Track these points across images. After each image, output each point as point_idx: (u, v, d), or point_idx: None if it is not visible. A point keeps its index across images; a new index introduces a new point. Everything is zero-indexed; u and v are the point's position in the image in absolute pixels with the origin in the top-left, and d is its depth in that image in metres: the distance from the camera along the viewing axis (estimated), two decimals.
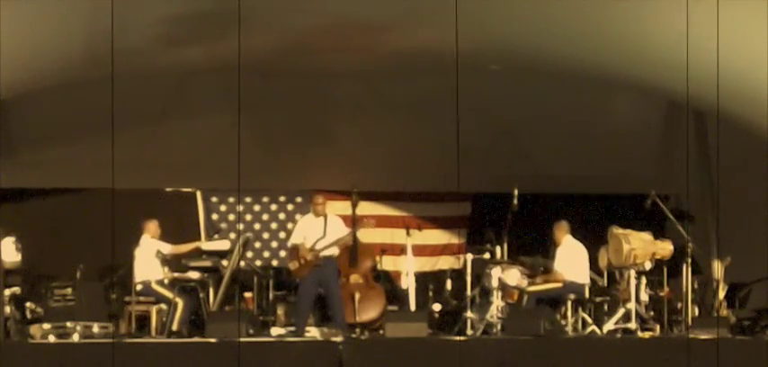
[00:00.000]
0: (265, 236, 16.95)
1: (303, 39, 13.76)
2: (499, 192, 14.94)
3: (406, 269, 15.92)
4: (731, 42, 11.98)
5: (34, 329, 13.02)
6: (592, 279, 14.37)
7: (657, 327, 14.06)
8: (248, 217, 16.93)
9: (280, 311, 15.15)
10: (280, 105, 15.96)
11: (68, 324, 12.82)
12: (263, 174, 15.87)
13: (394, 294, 15.94)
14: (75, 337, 12.64)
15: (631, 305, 13.68)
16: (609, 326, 13.75)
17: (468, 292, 14.33)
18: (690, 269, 14.14)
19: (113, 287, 14.57)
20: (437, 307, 15.70)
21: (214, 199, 16.86)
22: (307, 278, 13.93)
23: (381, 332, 13.77)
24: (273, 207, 17.06)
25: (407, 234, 16.08)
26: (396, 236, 16.78)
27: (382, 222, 16.57)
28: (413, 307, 15.40)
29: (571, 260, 14.11)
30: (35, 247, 14.39)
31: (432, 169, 16.62)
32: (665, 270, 14.53)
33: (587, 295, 14.10)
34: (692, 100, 12.85)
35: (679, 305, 14.59)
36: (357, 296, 14.60)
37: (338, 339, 12.55)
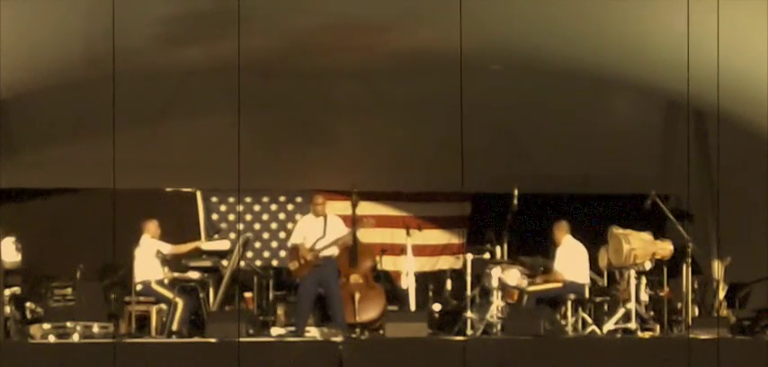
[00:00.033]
0: (265, 236, 16.95)
1: (303, 39, 13.76)
2: (499, 192, 14.93)
3: (406, 269, 15.92)
4: (731, 42, 11.98)
5: (34, 329, 13.02)
6: (592, 279, 14.36)
7: (657, 327, 14.06)
8: (248, 217, 16.93)
9: (280, 311, 15.15)
10: (280, 105, 15.96)
11: (68, 324, 12.82)
12: (263, 174, 15.86)
13: (394, 294, 15.94)
14: (75, 337, 12.63)
15: (631, 305, 13.68)
16: (609, 326, 13.75)
17: (468, 292, 14.32)
18: (690, 269, 14.14)
19: (113, 287, 14.57)
20: (437, 307, 15.70)
21: (214, 199, 16.86)
22: (307, 278, 13.93)
23: (381, 332, 13.77)
24: (273, 207, 17.06)
25: (407, 234, 16.08)
26: (396, 236, 16.78)
27: (382, 222, 16.57)
28: (413, 307, 15.40)
29: (571, 260, 14.11)
30: (35, 247, 14.38)
31: (432, 169, 16.63)
32: (665, 270, 14.52)
33: (587, 295, 14.10)
34: (691, 100, 12.85)
35: (679, 305, 14.59)
36: (357, 296, 14.60)
37: (338, 339, 12.55)
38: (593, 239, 14.37)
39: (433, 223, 17.24)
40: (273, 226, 16.99)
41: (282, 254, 16.55)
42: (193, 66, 14.58)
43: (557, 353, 12.47)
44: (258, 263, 16.36)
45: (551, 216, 14.71)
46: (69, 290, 13.30)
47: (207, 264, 14.56)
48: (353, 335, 13.64)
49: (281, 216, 17.02)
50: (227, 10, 11.25)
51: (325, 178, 16.23)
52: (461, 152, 11.60)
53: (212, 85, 14.73)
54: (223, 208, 16.85)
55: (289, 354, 12.29)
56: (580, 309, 13.98)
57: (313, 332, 13.99)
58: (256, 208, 17.01)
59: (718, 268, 15.11)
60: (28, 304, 13.84)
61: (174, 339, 13.15)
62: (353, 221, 14.64)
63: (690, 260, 14.10)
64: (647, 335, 13.62)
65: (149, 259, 13.78)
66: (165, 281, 13.84)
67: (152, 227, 13.99)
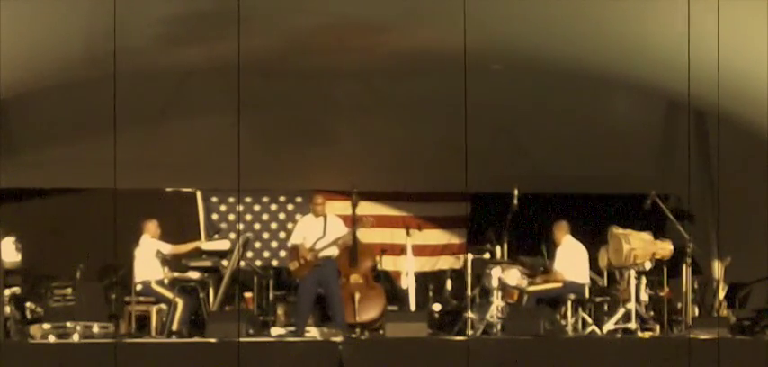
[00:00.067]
0: (265, 236, 16.95)
1: (303, 39, 13.76)
2: (499, 192, 14.93)
3: (406, 269, 15.93)
4: (731, 42, 11.98)
5: (34, 329, 13.03)
6: (592, 279, 14.37)
7: (657, 327, 14.06)
8: (248, 217, 16.94)
9: (280, 311, 15.16)
10: (280, 105, 15.95)
11: (68, 324, 12.83)
12: (263, 174, 15.86)
13: (394, 294, 15.94)
14: (75, 337, 12.64)
15: (631, 305, 13.68)
16: (609, 326, 13.75)
17: (469, 292, 14.32)
18: (690, 269, 14.14)
19: (113, 287, 14.57)
20: (437, 307, 15.70)
21: (214, 199, 16.86)
22: (307, 278, 13.93)
23: (381, 332, 13.77)
24: (273, 207, 17.06)
25: (407, 234, 16.09)
26: (396, 236, 16.78)
27: (382, 222, 16.57)
28: (413, 307, 15.41)
29: (571, 260, 14.11)
30: (35, 247, 14.39)
31: (432, 169, 16.63)
32: (665, 270, 14.53)
33: (587, 295, 14.10)
34: (692, 100, 12.85)
35: (679, 305, 14.59)
36: (357, 296, 14.61)
37: (338, 339, 12.55)
38: (593, 239, 14.37)
39: (433, 223, 17.25)
40: (273, 226, 16.99)
41: (282, 254, 16.55)
42: (193, 66, 14.57)
43: (557, 353, 12.47)
44: (258, 263, 16.36)
45: (551, 216, 14.71)
46: (69, 290, 13.31)
47: (207, 264, 14.57)
48: (353, 335, 13.64)
49: (281, 216, 17.03)
50: (227, 10, 11.24)
51: (325, 178, 16.23)
52: (465, 152, 11.58)
53: (212, 85, 14.73)
54: (223, 208, 16.85)
55: (289, 354, 12.29)
56: (580, 309, 13.98)
57: (313, 332, 13.99)
58: (256, 208, 17.01)
59: (718, 268, 15.12)
60: (28, 304, 13.85)
61: (174, 339, 13.15)
62: (353, 221, 14.64)
63: (690, 260, 14.10)
64: (647, 335, 13.62)
65: (149, 259, 13.78)
66: (165, 281, 13.84)
67: (152, 227, 13.99)
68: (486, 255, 14.66)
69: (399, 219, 17.00)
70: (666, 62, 13.22)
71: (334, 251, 14.05)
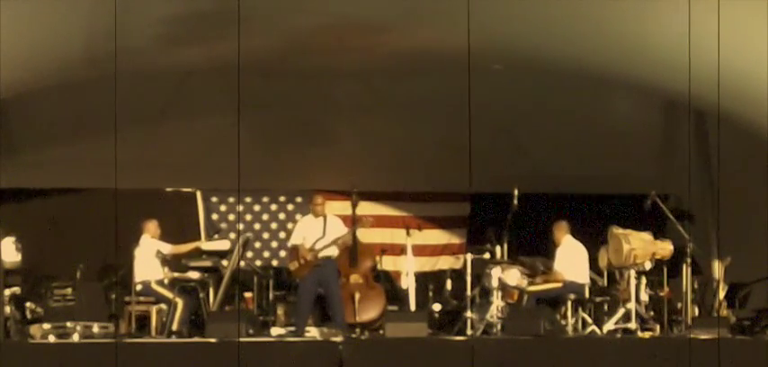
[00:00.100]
0: (265, 236, 16.96)
1: (303, 39, 13.76)
2: (499, 192, 14.93)
3: (406, 269, 15.93)
4: (731, 42, 11.98)
5: (34, 329, 13.03)
6: (592, 279, 14.37)
7: (657, 327, 14.06)
8: (248, 217, 16.94)
9: (280, 311, 15.16)
10: (280, 105, 15.96)
11: (68, 324, 12.83)
12: (263, 174, 15.87)
13: (394, 294, 15.94)
14: (75, 337, 12.64)
15: (631, 305, 13.68)
16: (609, 326, 13.75)
17: (468, 292, 14.32)
18: (690, 269, 14.13)
19: (113, 287, 14.57)
20: (437, 307, 15.70)
21: (214, 199, 16.87)
22: (306, 278, 13.93)
23: (381, 332, 13.77)
24: (273, 207, 17.06)
25: (407, 234, 16.09)
26: (396, 236, 16.78)
27: (382, 222, 16.59)
28: (413, 307, 15.41)
29: (571, 260, 14.11)
30: (35, 247, 14.39)
31: (432, 169, 16.64)
32: (665, 270, 14.53)
33: (587, 295, 14.10)
34: (692, 99, 12.85)
35: (679, 305, 14.58)
36: (357, 296, 14.61)
37: (338, 339, 12.55)
38: (593, 239, 14.37)
39: (433, 223, 17.25)
40: (273, 226, 16.99)
41: (282, 254, 16.55)
42: (193, 66, 14.57)
43: (557, 353, 12.47)
44: (258, 263, 16.36)
45: (551, 216, 14.71)
46: (69, 290, 13.31)
47: (207, 264, 14.57)
48: (353, 335, 13.64)
49: (281, 216, 17.03)
50: (227, 10, 11.25)
51: (325, 178, 16.24)
52: (469, 152, 11.59)
53: (212, 85, 14.73)
54: (223, 208, 16.86)
55: (289, 354, 12.29)
56: (580, 309, 13.98)
57: (313, 332, 13.99)
58: (256, 208, 17.01)
59: (718, 268, 15.11)
60: (28, 304, 13.85)
61: (174, 339, 13.15)
62: (353, 221, 14.64)
63: (690, 260, 14.10)
64: (647, 335, 13.62)
65: (149, 259, 13.78)
66: (165, 281, 13.84)
67: (152, 227, 13.99)
68: (486, 255, 14.66)
69: (399, 219, 17.00)
70: (666, 62, 13.22)
71: (333, 251, 14.05)
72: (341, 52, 14.17)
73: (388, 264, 16.55)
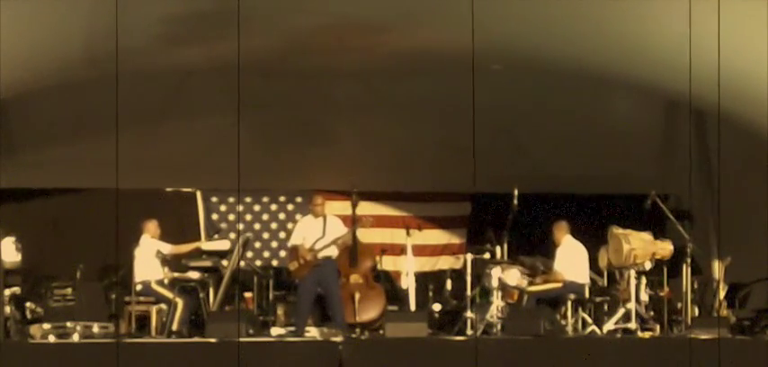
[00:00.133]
0: (265, 236, 16.96)
1: (303, 39, 13.76)
2: (499, 192, 14.93)
3: (406, 269, 15.93)
4: (731, 42, 11.98)
5: (34, 329, 13.03)
6: (592, 279, 14.36)
7: (657, 327, 14.06)
8: (248, 217, 16.95)
9: (280, 311, 15.16)
10: (280, 105, 15.96)
11: (68, 324, 12.83)
12: (263, 174, 15.87)
13: (394, 294, 15.94)
14: (75, 337, 12.64)
15: (631, 305, 13.68)
16: (609, 326, 13.75)
17: (468, 292, 14.32)
18: (690, 269, 14.13)
19: (113, 287, 14.57)
20: (437, 307, 15.70)
21: (214, 199, 16.87)
22: (306, 278, 13.93)
23: (381, 332, 13.77)
24: (273, 207, 17.06)
25: (407, 234, 16.09)
26: (396, 236, 16.78)
27: (382, 222, 16.59)
28: (413, 307, 15.41)
29: (571, 260, 14.11)
30: (35, 247, 14.39)
31: (432, 169, 16.64)
32: (665, 270, 14.53)
33: (587, 295, 14.10)
34: (692, 99, 12.85)
35: (679, 305, 14.58)
36: (357, 296, 14.61)
37: (338, 339, 12.55)
38: (593, 239, 14.37)
39: (433, 223, 17.25)
40: (273, 226, 16.99)
41: (282, 254, 16.55)
42: (193, 66, 14.58)
43: (557, 353, 12.47)
44: (258, 263, 16.36)
45: (551, 216, 14.71)
46: (69, 290, 13.31)
47: (207, 264, 14.57)
48: (353, 335, 13.64)
49: (281, 216, 17.03)
50: (227, 10, 11.24)
51: (325, 178, 16.24)
52: (473, 151, 11.59)
53: (212, 85, 14.73)
54: (223, 208, 16.86)
55: (289, 354, 12.29)
56: (580, 309, 13.98)
57: (313, 332, 13.99)
58: (256, 208, 17.01)
59: (718, 268, 15.11)
60: (28, 304, 13.85)
61: (174, 339, 13.14)
62: (353, 221, 14.64)
63: (690, 260, 14.10)
64: (647, 335, 13.62)
65: (149, 259, 13.78)
66: (165, 281, 13.84)
67: (152, 227, 13.99)
68: (486, 255, 14.66)
69: (399, 219, 17.00)
70: (666, 62, 13.22)
71: (333, 251, 14.05)
72: (341, 52, 14.17)
73: (388, 264, 16.55)
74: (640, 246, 13.81)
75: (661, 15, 12.60)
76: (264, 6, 12.58)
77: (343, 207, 15.36)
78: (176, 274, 14.15)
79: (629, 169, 16.63)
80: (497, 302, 13.71)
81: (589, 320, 13.88)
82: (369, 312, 14.69)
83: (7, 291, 13.02)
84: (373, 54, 14.31)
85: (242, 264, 14.98)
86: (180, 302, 13.55)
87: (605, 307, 14.23)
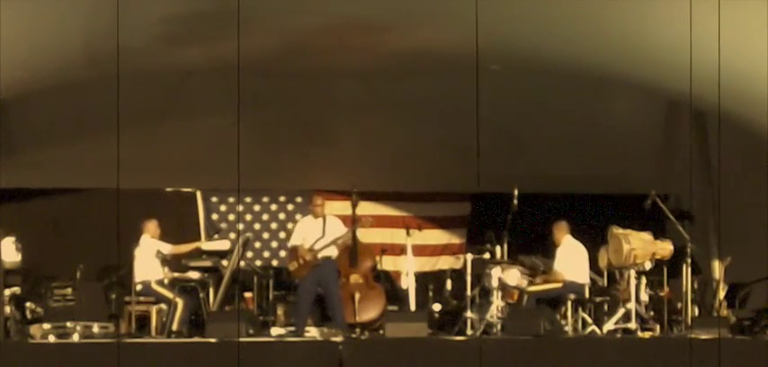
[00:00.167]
0: (265, 236, 16.96)
1: (303, 39, 13.76)
2: (499, 192, 14.93)
3: (406, 269, 15.92)
4: (731, 42, 11.98)
5: (34, 329, 13.02)
6: (592, 279, 14.36)
7: (657, 327, 14.06)
8: (248, 217, 16.95)
9: (280, 311, 15.16)
10: (280, 105, 15.96)
11: (68, 324, 12.82)
12: (263, 174, 15.87)
13: (394, 294, 15.94)
14: (75, 337, 12.64)
15: (631, 305, 13.67)
16: (609, 326, 13.75)
17: (468, 292, 14.31)
18: (690, 269, 14.13)
19: (113, 287, 14.57)
20: (437, 307, 15.70)
21: (214, 199, 16.87)
22: (306, 278, 13.92)
23: (381, 332, 13.76)
24: (273, 207, 17.06)
25: (407, 234, 16.08)
26: (396, 236, 16.78)
27: (382, 222, 16.58)
28: (413, 307, 15.40)
29: (571, 260, 14.10)
30: (35, 247, 14.39)
31: (432, 169, 16.64)
32: (665, 270, 14.52)
33: (587, 295, 14.10)
34: (692, 99, 12.85)
35: (679, 305, 14.58)
36: (357, 296, 14.61)
37: (338, 339, 12.55)
38: (593, 239, 14.36)
39: (433, 223, 17.24)
40: (273, 226, 16.99)
41: (282, 254, 16.55)
42: (193, 66, 14.58)
43: (557, 353, 12.47)
44: (258, 263, 16.36)
45: (551, 216, 14.71)
46: (69, 290, 13.31)
47: (207, 264, 14.57)
48: (353, 335, 13.64)
49: (281, 216, 17.03)
50: (227, 10, 11.25)
51: (325, 178, 16.23)
52: (477, 151, 11.59)
53: (212, 85, 14.74)
54: (223, 208, 16.86)
55: (289, 354, 12.29)
56: (580, 309, 13.98)
57: (313, 332, 13.99)
58: (256, 208, 17.01)
59: (718, 268, 15.11)
60: (28, 304, 13.85)
61: (174, 339, 13.14)
62: (353, 221, 14.64)
63: (690, 260, 14.09)
64: (647, 335, 13.61)
65: (149, 259, 13.78)
66: (165, 281, 13.84)
67: (152, 227, 13.98)
68: (486, 255, 14.65)
69: (399, 219, 17.00)
70: (667, 62, 13.22)
71: (333, 251, 14.05)
72: (341, 52, 14.17)
73: (388, 264, 16.55)
74: (640, 246, 13.81)
75: (661, 15, 12.60)
76: (264, 6, 12.58)
77: (343, 207, 15.36)
78: (176, 274, 14.15)
79: (629, 169, 16.63)
80: (497, 302, 13.70)
81: (589, 320, 13.88)
82: (369, 312, 14.68)
83: (7, 291, 13.01)
84: (373, 54, 14.31)
85: (242, 264, 14.98)
86: (180, 302, 13.55)
87: (605, 307, 14.22)
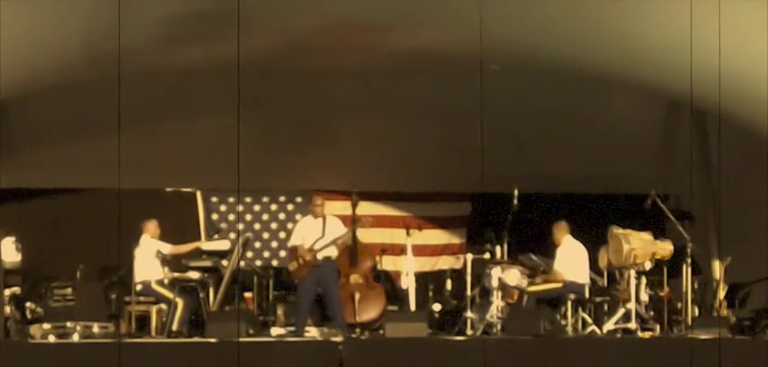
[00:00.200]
0: (265, 236, 16.96)
1: (303, 39, 13.76)
2: (499, 192, 14.93)
3: (406, 269, 15.92)
4: (731, 42, 11.98)
5: (34, 329, 13.02)
6: (592, 279, 14.36)
7: (657, 327, 14.06)
8: (248, 217, 16.94)
9: (280, 311, 15.16)
10: (280, 105, 15.96)
11: (68, 324, 12.82)
12: (263, 174, 15.88)
13: (394, 294, 15.94)
14: (75, 337, 12.63)
15: (631, 305, 13.67)
16: (609, 326, 13.75)
17: (468, 292, 14.31)
18: (690, 269, 14.13)
19: (113, 287, 14.57)
20: (437, 307, 15.70)
21: (214, 199, 16.87)
22: (306, 278, 13.92)
23: (381, 332, 13.76)
24: (273, 207, 17.06)
25: (407, 234, 16.08)
26: (396, 236, 16.78)
27: (382, 222, 16.58)
28: (413, 307, 15.40)
29: (571, 260, 14.10)
30: (35, 247, 14.39)
31: (432, 169, 16.64)
32: (665, 270, 14.52)
33: (587, 295, 14.10)
34: (692, 99, 12.86)
35: (679, 305, 14.58)
36: (357, 296, 14.61)
37: (338, 339, 12.55)
38: (593, 239, 14.36)
39: (433, 223, 17.25)
40: (273, 226, 16.99)
41: (282, 254, 16.55)
42: (193, 66, 14.58)
43: (557, 353, 12.47)
44: (258, 263, 16.36)
45: (551, 216, 14.71)
46: (69, 290, 13.30)
47: (207, 264, 14.57)
48: (353, 335, 13.64)
49: (281, 216, 17.03)
50: (227, 10, 11.25)
51: (325, 178, 16.23)
52: (482, 151, 11.60)
53: (212, 85, 14.74)
54: (223, 208, 16.86)
55: (289, 354, 12.29)
56: (580, 309, 13.98)
57: (313, 332, 13.99)
58: (256, 208, 17.01)
59: (718, 268, 15.11)
60: (28, 304, 13.85)
61: (174, 339, 13.14)
62: (353, 221, 14.64)
63: (690, 260, 14.09)
64: (647, 335, 13.61)
65: (149, 259, 13.77)
66: (165, 281, 13.84)
67: (152, 227, 13.98)
68: (486, 255, 14.65)
69: (399, 219, 17.00)
70: (667, 62, 13.22)
71: (333, 251, 14.05)
72: (341, 52, 14.17)
73: (388, 264, 16.55)
74: (640, 246, 13.81)
75: (661, 15, 12.61)
76: (264, 6, 12.59)
77: (343, 207, 15.35)
78: (176, 274, 14.14)
79: (629, 169, 16.63)
80: (497, 302, 13.70)
81: (589, 320, 13.88)
82: (369, 312, 14.68)
83: (7, 291, 13.01)
84: (373, 54, 14.31)
85: (242, 264, 14.98)
86: (180, 302, 13.55)
87: (605, 307, 14.22)
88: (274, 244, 16.92)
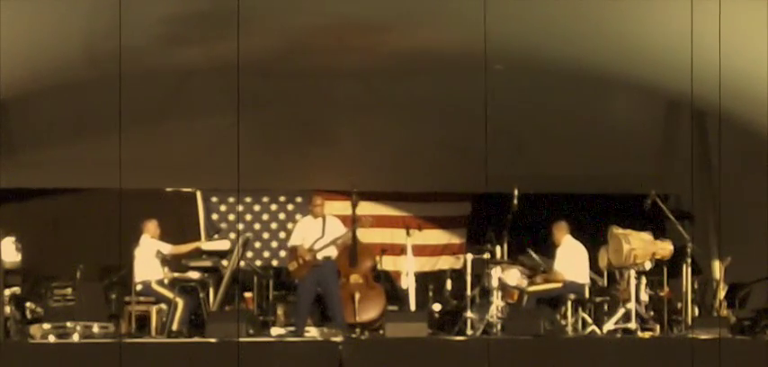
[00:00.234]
0: (265, 236, 16.95)
1: (303, 39, 13.76)
2: (499, 192, 14.93)
3: (406, 269, 15.92)
4: (731, 42, 11.98)
5: (34, 329, 13.02)
6: (592, 279, 14.36)
7: (657, 327, 14.06)
8: (248, 217, 16.94)
9: (280, 311, 15.16)
10: (280, 105, 15.96)
11: (68, 324, 12.82)
12: (263, 174, 15.87)
13: (394, 294, 15.94)
14: (75, 337, 12.63)
15: (631, 305, 13.67)
16: (609, 326, 13.75)
17: (468, 292, 14.31)
18: (690, 269, 14.13)
19: (113, 287, 14.57)
20: (437, 307, 15.70)
21: (214, 199, 16.86)
22: (306, 278, 13.92)
23: (381, 332, 13.76)
24: (273, 207, 17.06)
25: (407, 234, 16.07)
26: (396, 236, 16.78)
27: (382, 222, 16.58)
28: (413, 307, 15.40)
29: (571, 260, 14.10)
30: (35, 247, 14.39)
31: (432, 169, 16.63)
32: (665, 270, 14.52)
33: (587, 295, 14.10)
34: (693, 99, 12.86)
35: (679, 305, 14.58)
36: (357, 296, 14.61)
37: (338, 339, 12.55)
38: (593, 239, 14.36)
39: (433, 223, 17.24)
40: (273, 226, 16.99)
41: (282, 254, 16.55)
42: (193, 66, 14.58)
43: (557, 353, 12.47)
44: (258, 263, 16.36)
45: (551, 216, 14.70)
46: (69, 291, 13.30)
47: (207, 264, 14.56)
48: (353, 335, 13.64)
49: (281, 216, 17.03)
50: (227, 10, 11.26)
51: (325, 178, 16.23)
52: (486, 151, 11.61)
53: (212, 85, 14.74)
54: (223, 208, 16.85)
55: (289, 354, 12.29)
56: (580, 309, 13.97)
57: (313, 332, 13.99)
58: (256, 208, 17.01)
59: (718, 268, 15.11)
60: (28, 304, 13.85)
61: (174, 339, 13.14)
62: (353, 221, 14.64)
63: (690, 260, 14.09)
64: (647, 335, 13.61)
65: (149, 259, 13.77)
66: (165, 281, 13.84)
67: (152, 227, 13.98)
68: (486, 255, 14.65)
69: (399, 219, 17.00)
70: (667, 62, 13.22)
71: (332, 251, 14.05)
72: (341, 52, 14.17)
73: (388, 264, 16.55)
74: (640, 246, 13.81)
75: (661, 15, 12.61)
76: (264, 6, 12.59)
77: (343, 207, 15.35)
78: (176, 274, 14.14)
79: (629, 169, 16.63)
80: (497, 302, 13.70)
81: (589, 320, 13.88)
82: (369, 312, 14.68)
83: (7, 291, 13.01)
84: (373, 54, 14.31)
85: (242, 264, 14.98)
86: (180, 302, 13.55)
87: (605, 307, 14.22)
88: (274, 244, 16.92)
